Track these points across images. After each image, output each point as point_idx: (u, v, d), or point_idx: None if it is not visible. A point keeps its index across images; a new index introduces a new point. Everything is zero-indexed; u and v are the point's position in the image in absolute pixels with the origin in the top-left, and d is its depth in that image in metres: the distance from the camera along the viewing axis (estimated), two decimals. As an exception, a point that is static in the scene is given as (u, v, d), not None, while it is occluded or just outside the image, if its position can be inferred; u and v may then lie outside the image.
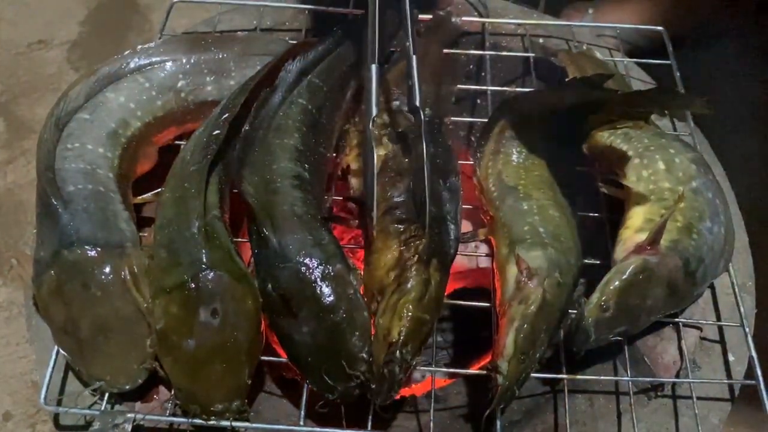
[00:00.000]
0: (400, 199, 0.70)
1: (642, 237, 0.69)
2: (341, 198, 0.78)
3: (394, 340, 0.61)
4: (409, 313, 0.62)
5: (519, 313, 0.64)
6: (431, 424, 0.65)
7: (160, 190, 0.73)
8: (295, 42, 0.87)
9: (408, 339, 0.61)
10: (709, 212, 0.72)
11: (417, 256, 0.65)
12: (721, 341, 0.75)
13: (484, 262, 0.81)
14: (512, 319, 0.64)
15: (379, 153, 0.74)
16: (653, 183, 0.73)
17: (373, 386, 0.61)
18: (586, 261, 0.73)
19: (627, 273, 0.66)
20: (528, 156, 0.79)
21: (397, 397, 0.64)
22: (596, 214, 0.79)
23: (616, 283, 0.66)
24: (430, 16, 0.95)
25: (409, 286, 0.63)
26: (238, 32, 0.91)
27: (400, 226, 0.67)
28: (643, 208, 0.72)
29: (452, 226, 0.71)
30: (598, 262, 0.74)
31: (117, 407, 0.67)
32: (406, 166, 0.73)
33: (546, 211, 0.73)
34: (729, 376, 0.72)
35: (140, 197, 0.77)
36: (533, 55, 0.95)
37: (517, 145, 0.80)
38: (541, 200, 0.74)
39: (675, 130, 0.89)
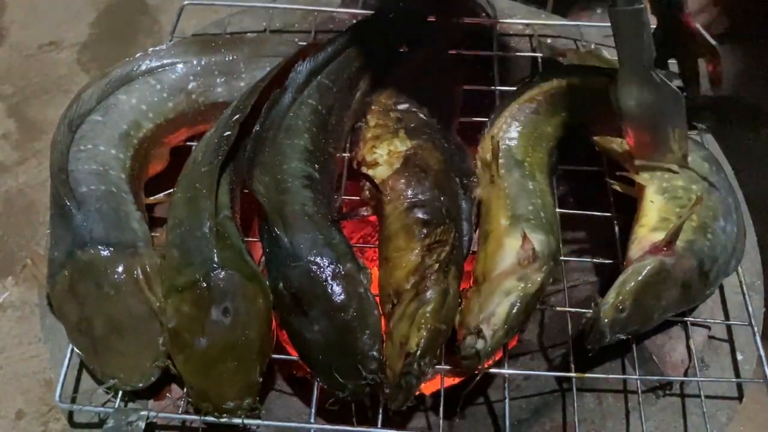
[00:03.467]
0: (425, 197, 0.70)
1: (657, 236, 0.69)
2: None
3: (411, 350, 0.61)
4: (428, 325, 0.62)
5: (518, 289, 0.65)
6: (440, 422, 0.65)
7: (171, 190, 0.74)
8: (304, 43, 0.88)
9: (426, 351, 0.62)
10: (722, 211, 0.72)
11: (438, 264, 0.65)
12: (730, 340, 0.75)
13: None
14: (508, 292, 0.65)
15: (399, 148, 0.74)
16: (666, 181, 0.73)
17: (388, 391, 0.62)
18: (596, 260, 0.73)
19: (643, 274, 0.66)
20: (540, 137, 0.80)
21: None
22: (606, 214, 0.79)
23: (632, 284, 0.66)
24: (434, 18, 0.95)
25: (428, 295, 0.63)
26: (248, 34, 0.91)
27: (424, 228, 0.67)
28: (657, 206, 0.72)
29: (467, 226, 0.72)
30: (609, 261, 0.75)
31: (130, 405, 0.67)
32: (430, 162, 0.73)
33: (546, 196, 0.74)
34: (737, 374, 0.72)
35: (152, 198, 0.78)
36: (541, 55, 0.95)
37: (534, 120, 0.81)
38: (542, 185, 0.75)
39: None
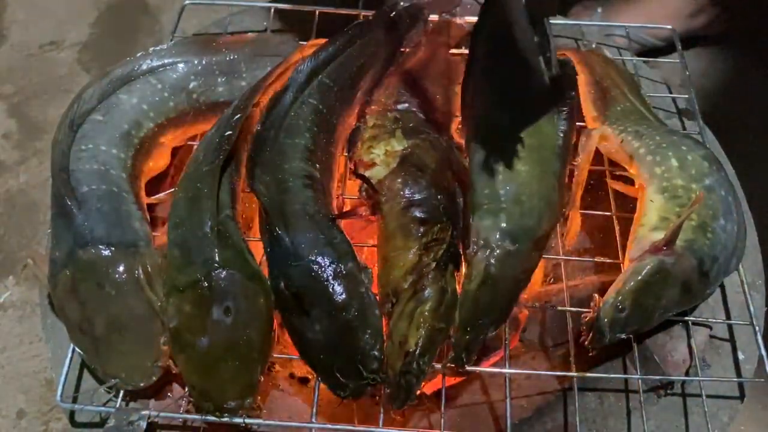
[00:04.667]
0: (421, 196, 0.70)
1: (657, 235, 0.69)
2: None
3: (411, 349, 0.61)
4: (427, 324, 0.62)
5: (464, 287, 0.65)
6: (442, 421, 0.65)
7: (173, 190, 0.74)
8: (305, 43, 0.88)
9: (425, 350, 0.62)
10: (722, 210, 0.72)
11: (436, 263, 0.65)
12: (731, 339, 0.75)
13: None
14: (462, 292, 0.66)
15: (395, 148, 0.74)
16: (666, 180, 0.73)
17: (389, 391, 0.62)
18: (597, 259, 0.73)
19: (643, 274, 0.66)
20: (501, 98, 0.77)
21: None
22: (606, 213, 0.79)
23: (632, 284, 0.66)
24: (437, 17, 0.95)
25: (426, 294, 0.63)
26: (249, 33, 0.91)
27: (421, 227, 0.67)
28: (657, 205, 0.72)
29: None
30: (609, 261, 0.75)
31: (131, 404, 0.67)
32: (426, 161, 0.73)
33: (512, 166, 0.71)
34: (738, 374, 0.73)
35: (153, 197, 0.78)
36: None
37: (489, 88, 0.79)
38: (509, 151, 0.72)
39: (684, 129, 0.89)
